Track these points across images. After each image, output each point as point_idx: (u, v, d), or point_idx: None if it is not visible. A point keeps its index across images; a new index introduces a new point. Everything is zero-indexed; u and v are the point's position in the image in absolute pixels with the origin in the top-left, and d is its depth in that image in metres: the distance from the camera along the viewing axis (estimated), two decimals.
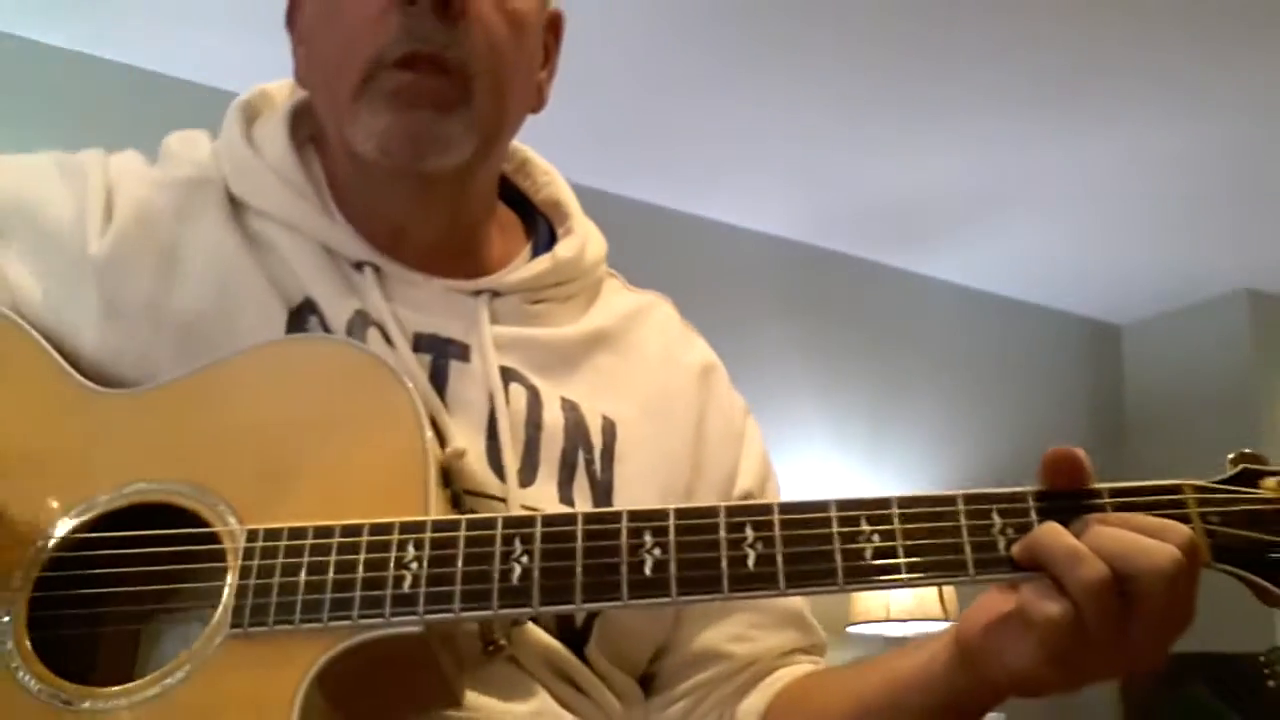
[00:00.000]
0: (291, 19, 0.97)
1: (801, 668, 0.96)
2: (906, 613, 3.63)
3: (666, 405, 0.98)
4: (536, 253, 0.99)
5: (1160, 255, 4.44)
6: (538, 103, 0.99)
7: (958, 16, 3.12)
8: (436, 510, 0.76)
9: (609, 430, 0.93)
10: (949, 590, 3.55)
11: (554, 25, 1.00)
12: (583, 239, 1.01)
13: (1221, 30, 3.16)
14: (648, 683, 0.95)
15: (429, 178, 0.90)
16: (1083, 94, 3.45)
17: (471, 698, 0.80)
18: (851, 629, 3.75)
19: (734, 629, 0.94)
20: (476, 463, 0.85)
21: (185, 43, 3.22)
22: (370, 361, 0.83)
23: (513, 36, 0.90)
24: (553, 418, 0.91)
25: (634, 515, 0.74)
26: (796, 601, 0.98)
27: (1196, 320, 4.80)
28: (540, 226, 1.03)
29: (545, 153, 1.06)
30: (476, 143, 0.89)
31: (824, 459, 4.12)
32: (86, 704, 0.73)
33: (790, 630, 0.97)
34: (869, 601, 3.66)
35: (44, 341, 0.86)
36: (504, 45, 0.89)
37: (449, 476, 0.81)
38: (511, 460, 0.86)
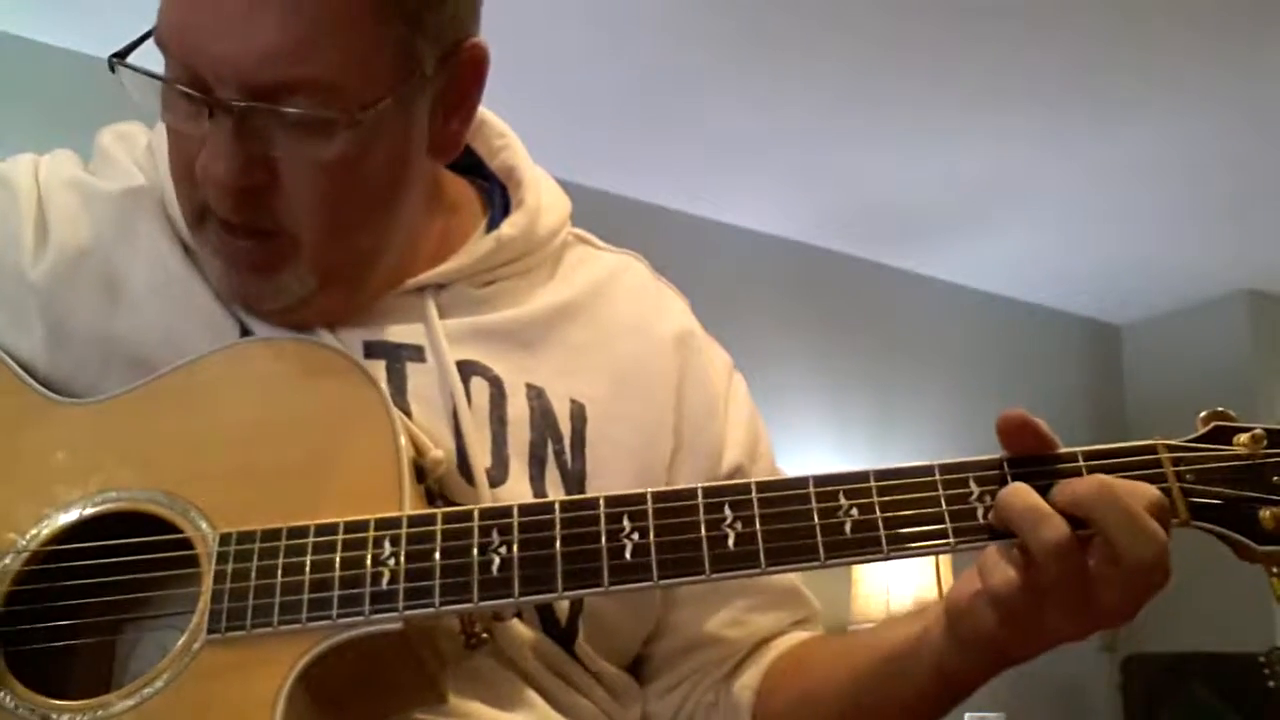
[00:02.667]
0: None
1: (794, 637, 0.95)
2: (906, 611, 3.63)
3: (641, 379, 0.95)
4: (493, 225, 0.94)
5: (1160, 255, 4.42)
6: (449, 154, 0.90)
7: (959, 17, 3.11)
8: (411, 506, 0.75)
9: (578, 415, 0.90)
10: (948, 586, 3.55)
11: (472, 63, 0.86)
12: (533, 211, 0.95)
13: (1221, 31, 3.15)
14: (641, 665, 0.94)
15: None
16: (1083, 94, 3.44)
17: (461, 703, 0.79)
18: (852, 630, 3.74)
19: (729, 614, 0.94)
20: (446, 468, 0.84)
21: None
22: (336, 359, 0.81)
23: (340, 181, 0.81)
24: (517, 410, 0.88)
25: (611, 500, 0.74)
26: (790, 578, 0.96)
27: (1196, 320, 4.78)
28: (497, 195, 0.98)
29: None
30: (316, 281, 0.84)
31: (825, 459, 4.11)
32: (65, 718, 0.72)
33: (783, 609, 0.96)
34: (869, 601, 3.65)
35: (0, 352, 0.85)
36: (328, 195, 0.81)
37: (423, 473, 0.80)
38: (480, 461, 0.85)
